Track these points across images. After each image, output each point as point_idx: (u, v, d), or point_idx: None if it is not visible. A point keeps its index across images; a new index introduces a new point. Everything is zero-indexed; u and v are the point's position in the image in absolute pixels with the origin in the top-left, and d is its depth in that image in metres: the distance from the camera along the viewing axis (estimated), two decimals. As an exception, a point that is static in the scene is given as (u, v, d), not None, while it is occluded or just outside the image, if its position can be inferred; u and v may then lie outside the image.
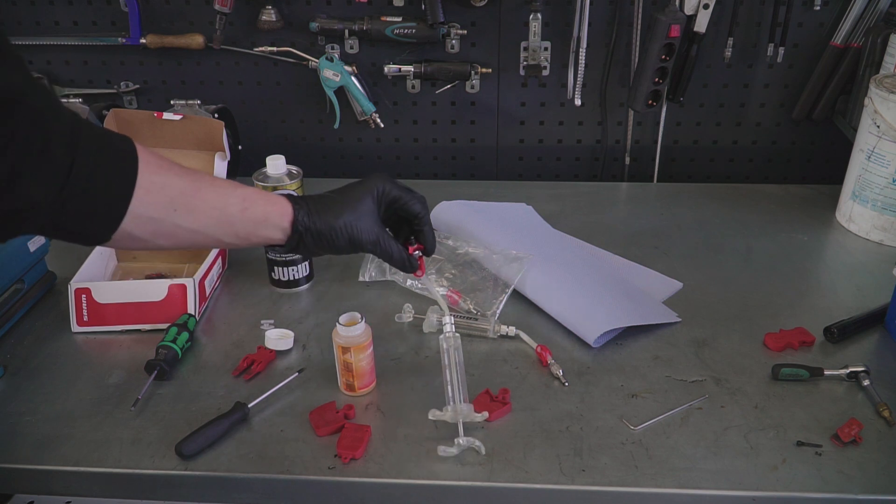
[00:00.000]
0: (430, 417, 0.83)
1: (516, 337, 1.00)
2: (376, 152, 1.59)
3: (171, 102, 1.37)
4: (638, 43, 1.42)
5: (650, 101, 1.40)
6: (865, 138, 1.21)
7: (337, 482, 0.79)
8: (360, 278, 1.13)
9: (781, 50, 1.40)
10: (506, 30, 1.44)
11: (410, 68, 1.44)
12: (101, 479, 0.81)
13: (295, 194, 0.80)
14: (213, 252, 1.10)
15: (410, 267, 0.83)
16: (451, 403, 0.83)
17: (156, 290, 1.02)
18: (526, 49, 1.44)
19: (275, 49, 1.46)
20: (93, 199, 0.62)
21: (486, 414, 0.83)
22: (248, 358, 0.96)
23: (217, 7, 1.38)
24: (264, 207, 0.74)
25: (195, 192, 0.69)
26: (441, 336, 0.87)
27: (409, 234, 0.85)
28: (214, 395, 0.90)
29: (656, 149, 1.53)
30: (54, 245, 1.20)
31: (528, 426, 0.84)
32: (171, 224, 0.68)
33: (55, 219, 0.61)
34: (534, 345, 0.97)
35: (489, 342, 1.00)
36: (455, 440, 0.80)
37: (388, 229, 0.82)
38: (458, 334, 0.87)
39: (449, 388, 0.84)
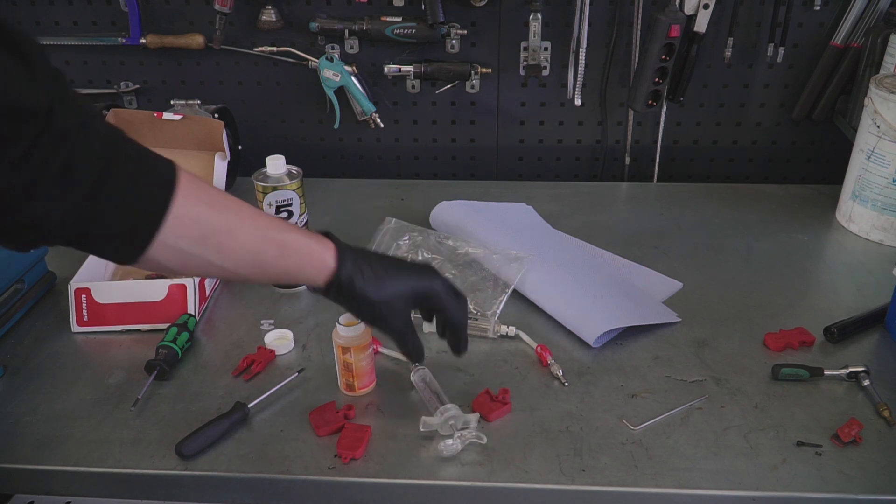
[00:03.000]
0: (421, 429, 0.82)
1: (516, 337, 1.00)
2: (376, 152, 1.59)
3: (171, 102, 1.37)
4: (638, 43, 1.42)
5: (650, 101, 1.40)
6: (865, 138, 1.21)
7: (337, 482, 0.79)
8: (360, 278, 1.13)
9: (781, 50, 1.40)
10: (506, 30, 1.44)
11: (410, 68, 1.44)
12: (101, 479, 0.81)
13: (338, 240, 0.76)
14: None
15: (419, 358, 0.83)
16: (440, 410, 0.82)
17: (156, 290, 1.02)
18: (526, 49, 1.44)
19: (275, 49, 1.46)
20: (119, 223, 0.61)
21: (477, 415, 0.83)
22: (247, 358, 0.96)
23: (217, 7, 1.38)
24: (299, 260, 0.71)
25: (230, 231, 0.67)
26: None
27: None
28: (214, 395, 0.90)
29: (656, 149, 1.53)
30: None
31: (528, 426, 0.84)
32: (200, 259, 0.65)
33: (80, 237, 0.60)
34: (534, 345, 0.97)
35: (489, 342, 1.00)
36: (455, 434, 0.80)
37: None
38: (424, 368, 0.88)
39: (435, 398, 0.84)
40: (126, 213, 0.60)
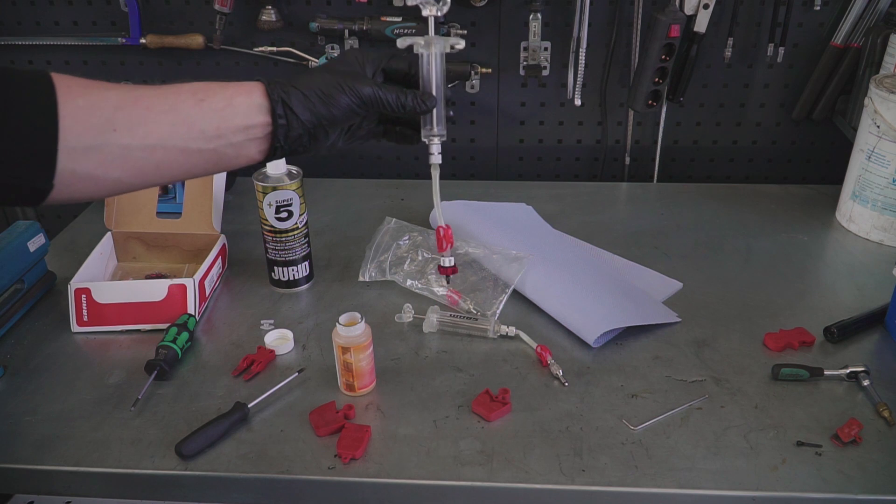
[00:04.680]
0: (399, 45, 0.77)
1: (516, 337, 1.00)
2: (376, 152, 1.59)
3: (171, 102, 1.37)
4: (638, 43, 1.42)
5: (650, 101, 1.40)
6: (865, 138, 1.21)
7: (337, 482, 0.79)
8: (360, 278, 1.13)
9: (781, 50, 1.40)
10: (506, 30, 1.44)
11: (410, 68, 1.44)
12: (101, 479, 0.81)
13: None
14: (214, 252, 1.10)
15: (422, 102, 0.77)
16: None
17: (156, 290, 1.02)
18: (526, 49, 1.44)
19: (275, 49, 1.46)
20: (14, 147, 0.56)
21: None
22: (247, 358, 0.96)
23: (217, 7, 1.38)
24: (223, 92, 0.65)
25: (133, 101, 0.60)
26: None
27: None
28: (214, 395, 0.90)
29: (656, 149, 1.53)
30: (54, 245, 1.20)
31: (528, 426, 0.84)
32: (115, 147, 0.59)
33: None
34: (534, 345, 0.97)
35: (489, 342, 1.00)
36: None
37: None
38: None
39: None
40: (15, 132, 0.56)
